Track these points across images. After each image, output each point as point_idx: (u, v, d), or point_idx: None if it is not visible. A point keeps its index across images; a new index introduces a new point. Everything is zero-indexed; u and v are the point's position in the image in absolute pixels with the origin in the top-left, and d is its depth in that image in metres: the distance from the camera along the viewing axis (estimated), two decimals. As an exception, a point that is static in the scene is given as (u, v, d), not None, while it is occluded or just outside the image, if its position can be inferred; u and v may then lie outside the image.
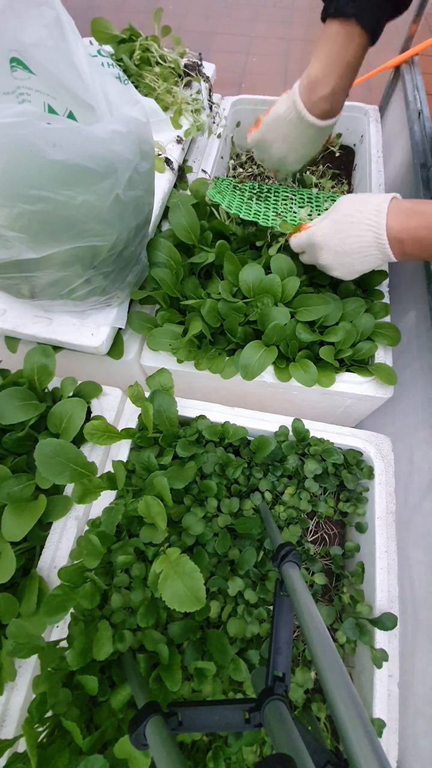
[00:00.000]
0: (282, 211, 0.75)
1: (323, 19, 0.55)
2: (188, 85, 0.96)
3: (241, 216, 0.71)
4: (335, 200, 0.78)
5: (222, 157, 1.06)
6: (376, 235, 0.54)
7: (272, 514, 0.65)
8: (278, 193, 0.82)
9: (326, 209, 0.72)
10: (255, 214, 0.73)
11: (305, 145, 0.66)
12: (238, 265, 0.68)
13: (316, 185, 1.05)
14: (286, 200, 0.79)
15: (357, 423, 0.86)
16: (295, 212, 0.76)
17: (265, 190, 0.82)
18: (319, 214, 0.73)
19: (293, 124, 0.62)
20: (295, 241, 0.66)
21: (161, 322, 0.69)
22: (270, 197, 0.80)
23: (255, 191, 0.82)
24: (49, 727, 0.47)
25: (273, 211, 0.74)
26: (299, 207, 0.77)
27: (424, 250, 0.53)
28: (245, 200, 0.78)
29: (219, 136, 1.04)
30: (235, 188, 0.82)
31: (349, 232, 0.56)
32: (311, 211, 0.75)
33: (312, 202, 0.79)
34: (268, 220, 0.71)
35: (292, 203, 0.79)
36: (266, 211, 0.74)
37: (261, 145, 0.70)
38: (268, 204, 0.77)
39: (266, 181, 1.10)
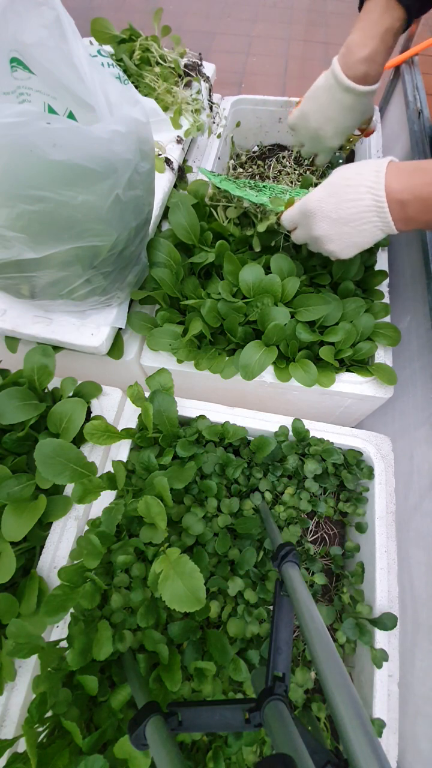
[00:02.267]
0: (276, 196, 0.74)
1: (361, 3, 0.57)
2: (188, 85, 0.96)
3: (231, 193, 0.69)
4: None
5: (219, 158, 1.06)
6: (374, 197, 0.50)
7: (272, 514, 0.65)
8: (274, 189, 0.81)
9: None
10: (247, 194, 0.71)
11: (343, 114, 0.64)
12: (238, 265, 0.68)
13: (316, 185, 1.06)
14: (282, 193, 0.78)
15: (357, 423, 0.86)
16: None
17: (261, 185, 0.82)
18: None
19: (331, 91, 0.62)
20: (288, 214, 0.62)
21: (161, 322, 0.69)
22: (266, 189, 0.79)
23: (251, 185, 0.81)
24: (49, 727, 0.47)
25: (267, 197, 0.72)
26: (295, 195, 0.77)
27: (430, 210, 0.48)
28: (240, 187, 0.76)
29: (219, 136, 1.04)
30: (230, 180, 0.81)
31: (346, 195, 0.52)
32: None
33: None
34: (261, 198, 0.69)
35: (288, 194, 0.78)
36: (260, 197, 0.73)
37: (299, 121, 0.68)
38: (263, 194, 0.76)
39: (265, 182, 1.10)
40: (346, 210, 0.53)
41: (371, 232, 0.53)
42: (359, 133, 0.74)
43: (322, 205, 0.54)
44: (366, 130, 0.73)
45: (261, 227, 0.67)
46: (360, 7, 0.58)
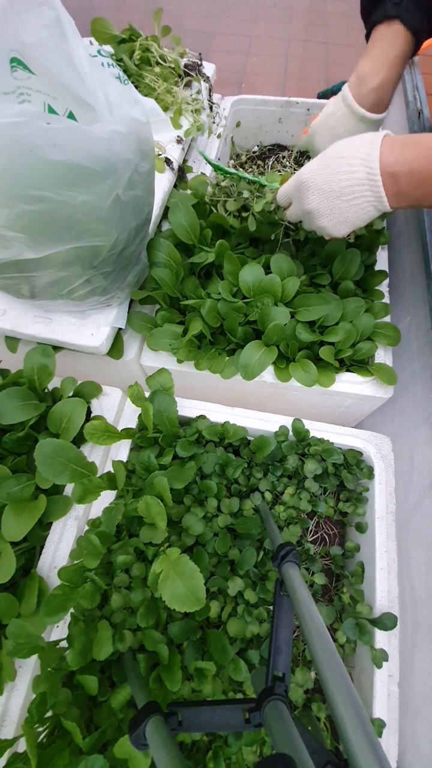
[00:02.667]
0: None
1: (369, 30, 0.58)
2: (188, 85, 0.96)
3: (226, 174, 0.68)
4: None
5: (219, 159, 1.06)
6: (367, 169, 0.49)
7: (272, 514, 0.65)
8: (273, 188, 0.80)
9: None
10: (242, 175, 0.70)
11: None
12: (238, 265, 0.68)
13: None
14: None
15: (357, 423, 0.86)
16: None
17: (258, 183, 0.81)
18: None
19: (343, 120, 0.62)
20: (282, 189, 0.61)
21: (161, 322, 0.69)
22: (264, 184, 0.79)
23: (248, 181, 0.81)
24: (49, 727, 0.47)
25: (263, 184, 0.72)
26: None
27: (421, 185, 0.47)
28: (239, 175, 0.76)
29: (219, 136, 1.04)
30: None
31: (339, 167, 0.51)
32: None
33: None
34: (256, 179, 0.68)
35: None
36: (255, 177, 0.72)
37: (310, 147, 0.69)
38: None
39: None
40: (338, 183, 0.51)
41: (364, 207, 0.52)
42: None
43: (315, 177, 0.53)
44: None
45: (257, 207, 0.66)
46: (367, 36, 0.59)
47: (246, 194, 0.73)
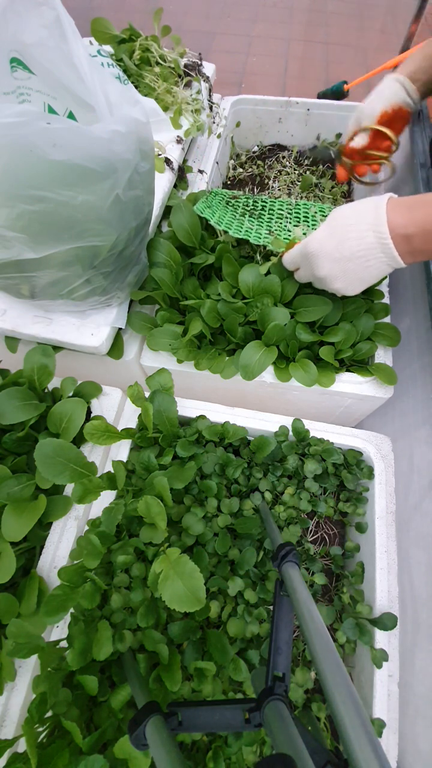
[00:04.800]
0: (276, 229, 0.72)
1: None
2: (188, 85, 0.96)
3: (231, 233, 0.68)
4: None
5: (218, 163, 1.06)
6: (377, 234, 0.50)
7: (272, 514, 0.65)
8: (273, 210, 0.78)
9: None
10: (246, 231, 0.70)
11: None
12: (237, 266, 0.68)
13: (316, 185, 1.06)
14: (281, 218, 0.76)
15: (357, 423, 0.86)
16: (289, 231, 0.72)
17: (259, 206, 0.79)
18: None
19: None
20: (288, 256, 0.62)
21: (161, 322, 0.69)
22: (264, 214, 0.77)
23: (249, 207, 0.78)
24: (49, 727, 0.47)
25: (266, 229, 0.71)
26: (294, 225, 0.74)
27: None
28: (237, 216, 0.75)
29: (219, 136, 1.04)
30: (228, 203, 0.79)
31: (348, 234, 0.52)
32: (306, 230, 0.72)
33: (308, 221, 0.75)
34: (260, 237, 0.68)
35: (287, 221, 0.75)
36: (259, 229, 0.71)
37: (361, 116, 0.69)
38: (261, 221, 0.74)
39: (265, 181, 1.10)
40: (349, 249, 0.52)
41: (377, 267, 0.53)
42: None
43: (324, 246, 0.54)
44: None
45: (263, 269, 0.66)
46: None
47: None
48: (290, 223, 0.75)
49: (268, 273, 0.68)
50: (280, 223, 0.74)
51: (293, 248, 0.61)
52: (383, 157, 0.69)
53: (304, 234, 0.70)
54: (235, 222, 0.72)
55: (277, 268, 0.67)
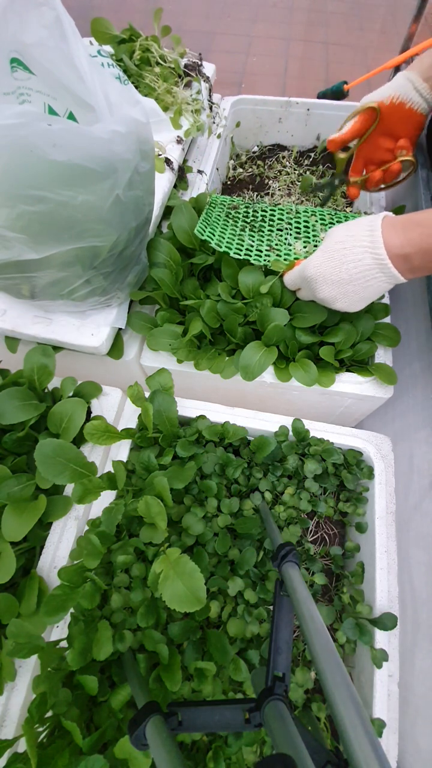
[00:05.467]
0: (276, 243, 0.71)
1: None
2: (188, 85, 0.96)
3: (231, 254, 0.68)
4: (334, 223, 0.75)
5: (218, 169, 1.05)
6: (374, 255, 0.50)
7: (272, 514, 0.65)
8: (273, 221, 0.77)
9: (322, 239, 0.66)
10: (247, 250, 0.69)
11: None
12: (237, 267, 0.68)
13: (315, 185, 1.06)
14: (281, 230, 0.75)
15: (357, 423, 0.86)
16: (290, 244, 0.71)
17: (259, 218, 0.77)
18: (315, 246, 0.69)
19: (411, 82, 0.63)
20: (289, 278, 0.63)
21: (161, 322, 0.69)
22: (264, 227, 0.76)
23: (249, 220, 0.77)
24: (49, 727, 0.47)
25: (267, 245, 0.71)
26: (294, 239, 0.73)
27: None
28: (237, 232, 0.74)
29: (219, 136, 1.04)
30: (228, 216, 0.78)
31: (344, 258, 0.52)
32: (306, 242, 0.72)
33: (309, 232, 0.74)
34: (260, 257, 0.68)
35: (288, 234, 0.74)
36: (259, 245, 0.71)
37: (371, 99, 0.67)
38: (262, 236, 0.73)
39: (265, 181, 1.10)
40: (347, 272, 0.52)
41: (377, 286, 0.53)
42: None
43: (321, 270, 0.54)
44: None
45: (264, 289, 0.66)
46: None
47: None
48: (290, 235, 0.74)
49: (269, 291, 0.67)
50: (281, 236, 0.74)
51: (293, 270, 0.61)
52: (389, 161, 0.69)
53: (305, 247, 0.70)
54: (235, 239, 0.71)
55: (278, 286, 0.67)
